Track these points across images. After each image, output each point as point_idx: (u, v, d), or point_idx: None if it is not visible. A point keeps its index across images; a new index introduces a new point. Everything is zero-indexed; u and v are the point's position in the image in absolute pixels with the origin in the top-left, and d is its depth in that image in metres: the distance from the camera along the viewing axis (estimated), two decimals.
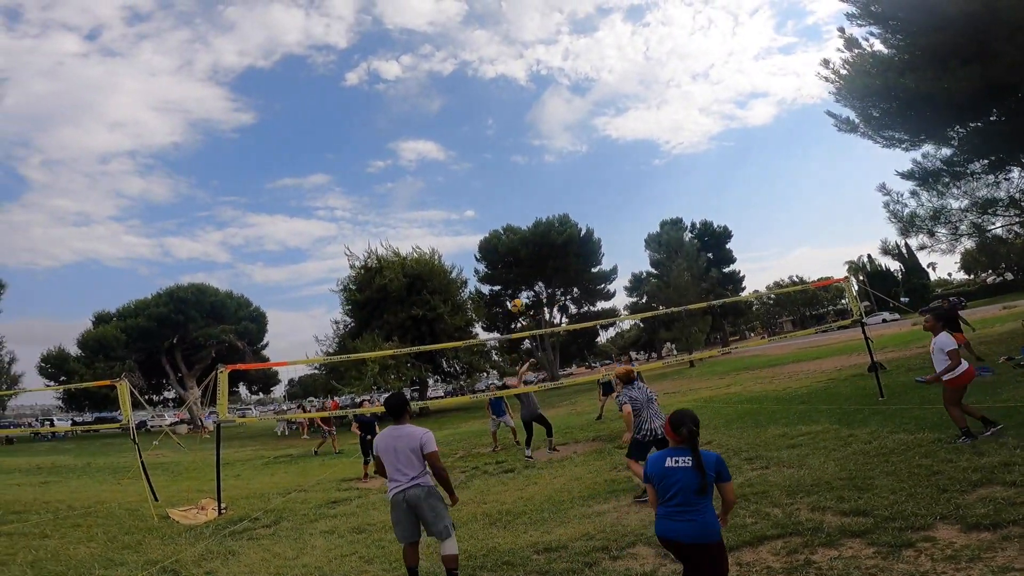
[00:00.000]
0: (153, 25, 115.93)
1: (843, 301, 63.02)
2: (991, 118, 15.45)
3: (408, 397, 4.17)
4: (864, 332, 9.88)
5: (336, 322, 32.30)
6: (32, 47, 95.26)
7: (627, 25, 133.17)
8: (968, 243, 18.91)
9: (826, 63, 16.33)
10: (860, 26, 15.82)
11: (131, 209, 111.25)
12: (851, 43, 15.63)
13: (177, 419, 37.45)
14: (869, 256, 73.21)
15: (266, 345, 45.39)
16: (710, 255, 54.02)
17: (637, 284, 56.64)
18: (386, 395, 9.41)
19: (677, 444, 2.91)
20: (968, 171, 16.93)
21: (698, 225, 56.23)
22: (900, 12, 14.08)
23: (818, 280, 45.53)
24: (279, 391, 63.08)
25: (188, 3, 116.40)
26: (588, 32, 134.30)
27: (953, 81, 12.14)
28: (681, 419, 2.88)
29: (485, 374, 33.39)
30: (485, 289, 47.15)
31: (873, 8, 14.81)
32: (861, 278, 72.76)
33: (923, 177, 17.00)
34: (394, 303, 28.63)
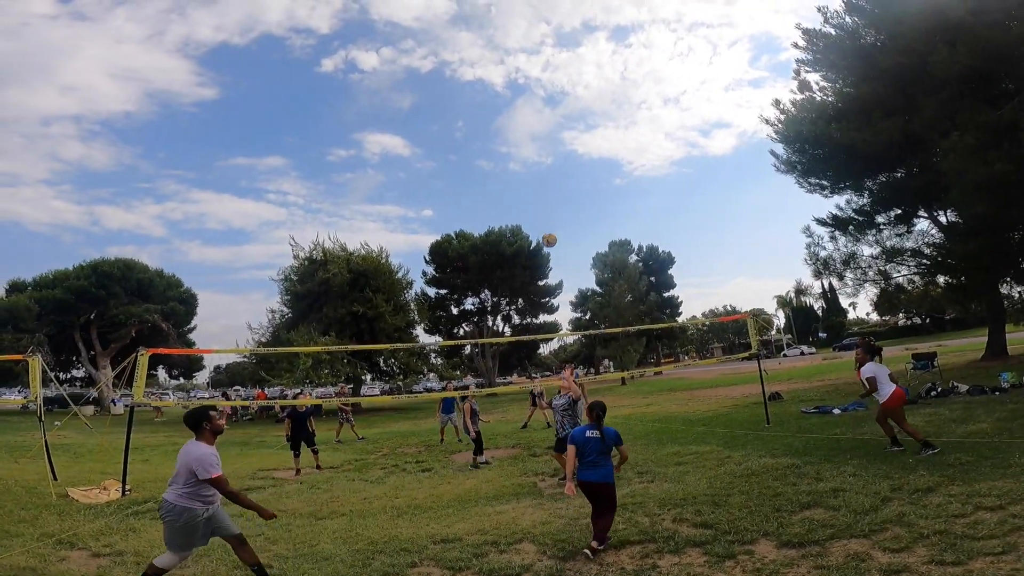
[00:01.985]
0: None
1: (771, 332, 67.11)
2: (901, 172, 16.96)
3: (209, 412, 4.08)
4: (759, 365, 10.91)
5: (272, 311, 31.46)
6: (2, 5, 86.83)
7: (610, 44, 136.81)
8: (872, 289, 20.82)
9: (777, 103, 17.42)
10: (810, 71, 17.00)
11: (64, 174, 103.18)
12: (804, 86, 16.69)
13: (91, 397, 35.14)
14: (796, 292, 78.30)
15: (194, 328, 43.32)
16: (652, 279, 56.55)
17: (582, 301, 58.26)
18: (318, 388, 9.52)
19: (591, 423, 4.80)
20: (877, 221, 18.67)
21: (644, 248, 58.50)
22: (844, 60, 15.27)
23: (724, 315, 48.61)
24: (203, 377, 60.16)
25: None
26: (571, 46, 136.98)
27: (872, 133, 13.45)
28: (594, 407, 4.89)
29: (422, 375, 33.38)
30: (431, 292, 47.22)
31: (822, 56, 15.99)
32: (787, 312, 77.97)
33: (836, 224, 18.52)
34: (335, 298, 28.26)
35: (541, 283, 50.04)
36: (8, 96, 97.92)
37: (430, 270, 47.89)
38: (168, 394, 63.91)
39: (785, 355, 59.06)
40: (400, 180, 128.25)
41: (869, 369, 6.79)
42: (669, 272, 61.12)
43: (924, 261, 18.24)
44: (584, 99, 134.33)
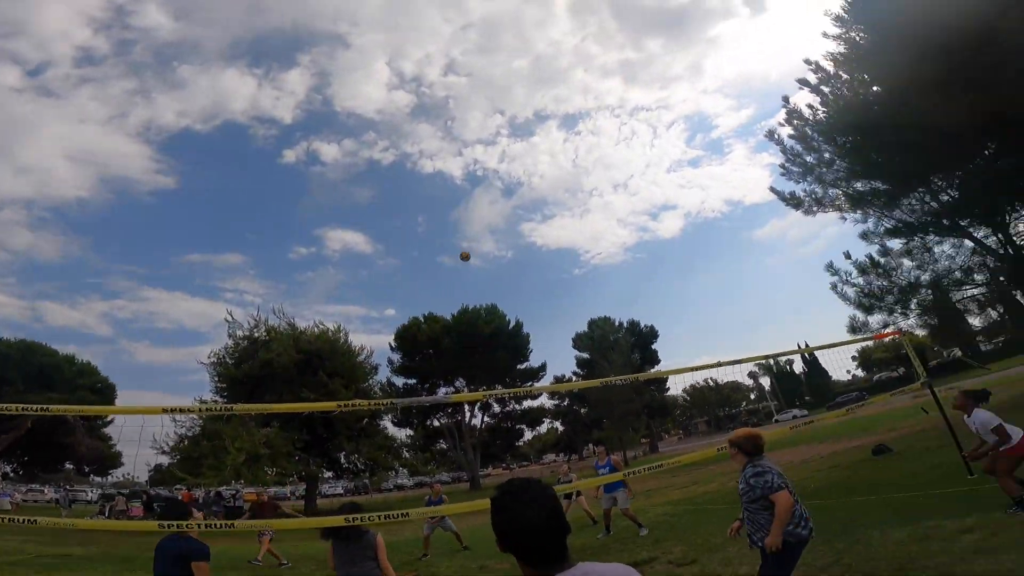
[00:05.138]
0: (101, 70, 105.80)
1: (763, 403, 63.48)
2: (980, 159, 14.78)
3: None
4: (933, 392, 7.15)
5: (203, 401, 25.26)
6: None
7: (561, 132, 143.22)
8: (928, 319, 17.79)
9: (814, 83, 15.40)
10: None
11: (10, 265, 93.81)
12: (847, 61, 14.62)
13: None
14: (774, 359, 75.78)
15: (109, 423, 35.69)
16: (637, 356, 52.70)
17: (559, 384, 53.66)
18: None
19: None
20: (960, 225, 16.20)
21: (626, 324, 55.29)
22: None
23: (717, 385, 44.69)
24: (120, 473, 49.63)
25: (145, 54, 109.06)
26: (525, 136, 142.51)
27: (954, 107, 10.83)
28: None
29: (393, 472, 27.28)
30: (399, 382, 41.72)
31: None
32: (769, 379, 75.11)
33: (912, 231, 15.81)
34: (280, 383, 22.76)
35: (522, 366, 45.35)
36: None
37: (396, 358, 42.74)
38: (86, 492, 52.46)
39: (776, 420, 55.25)
40: (362, 278, 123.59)
41: (987, 418, 5.32)
42: (653, 347, 57.59)
43: (1002, 268, 15.31)
44: (539, 188, 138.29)
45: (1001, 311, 17.43)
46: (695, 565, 5.17)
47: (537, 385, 44.62)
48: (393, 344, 42.92)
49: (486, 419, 43.38)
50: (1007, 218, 15.49)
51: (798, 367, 74.10)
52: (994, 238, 15.75)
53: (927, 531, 4.67)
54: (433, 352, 41.19)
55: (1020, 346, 25.87)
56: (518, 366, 44.97)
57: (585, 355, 53.93)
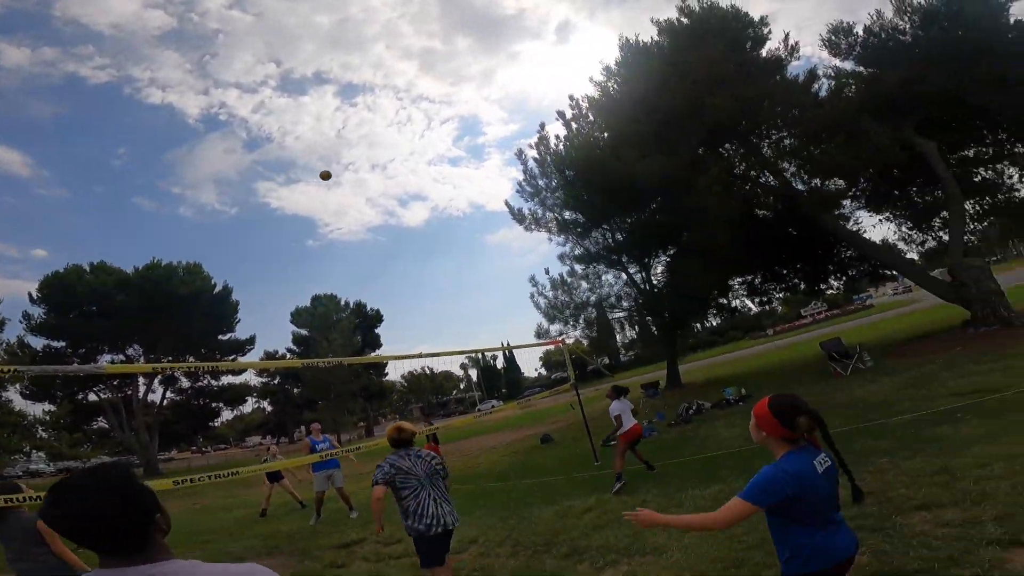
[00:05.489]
0: None
1: (469, 393, 70.33)
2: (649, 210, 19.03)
3: None
4: (578, 395, 9.15)
5: None
6: None
7: (336, 100, 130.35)
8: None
9: (564, 116, 18.03)
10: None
11: None
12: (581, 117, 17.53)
13: None
14: (482, 354, 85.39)
15: None
16: (359, 338, 52.17)
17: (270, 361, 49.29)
18: None
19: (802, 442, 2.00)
20: (623, 260, 20.73)
21: (352, 305, 54.03)
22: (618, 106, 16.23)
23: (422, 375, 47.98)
24: None
25: None
26: (295, 93, 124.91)
27: (647, 167, 13.94)
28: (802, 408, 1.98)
29: (23, 455, 20.79)
30: (38, 343, 31.82)
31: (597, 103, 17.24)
32: (477, 370, 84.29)
33: (591, 260, 19.78)
34: None
35: (225, 337, 39.84)
36: None
37: (39, 313, 32.46)
38: None
39: (479, 410, 62.49)
40: (4, 205, 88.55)
41: (612, 407, 7.15)
42: (376, 331, 57.87)
43: (640, 300, 20.54)
44: (291, 150, 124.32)
45: (637, 331, 23.56)
46: (400, 544, 5.48)
47: (243, 360, 39.86)
48: (36, 295, 32.61)
49: (170, 395, 36.65)
50: (651, 260, 20.92)
51: (500, 363, 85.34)
52: (640, 275, 20.99)
53: (565, 510, 5.91)
54: (98, 310, 32.76)
55: (647, 360, 35.13)
56: (220, 336, 39.44)
57: (304, 332, 50.76)
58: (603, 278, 21.72)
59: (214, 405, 41.12)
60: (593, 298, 21.50)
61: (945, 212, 14.97)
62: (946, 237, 14.83)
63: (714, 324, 58.71)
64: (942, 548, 2.98)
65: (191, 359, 37.78)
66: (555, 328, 21.42)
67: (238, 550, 7.08)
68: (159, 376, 35.68)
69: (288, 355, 52.12)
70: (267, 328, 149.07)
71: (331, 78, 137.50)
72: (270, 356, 52.10)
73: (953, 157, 15.65)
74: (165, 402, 38.50)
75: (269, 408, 57.31)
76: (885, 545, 3.19)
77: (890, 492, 4.07)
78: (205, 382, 38.53)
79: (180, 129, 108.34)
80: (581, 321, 21.50)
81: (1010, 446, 4.44)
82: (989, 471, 3.98)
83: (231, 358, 39.39)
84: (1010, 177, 15.81)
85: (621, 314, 22.11)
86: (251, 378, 46.89)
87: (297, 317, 51.30)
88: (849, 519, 3.50)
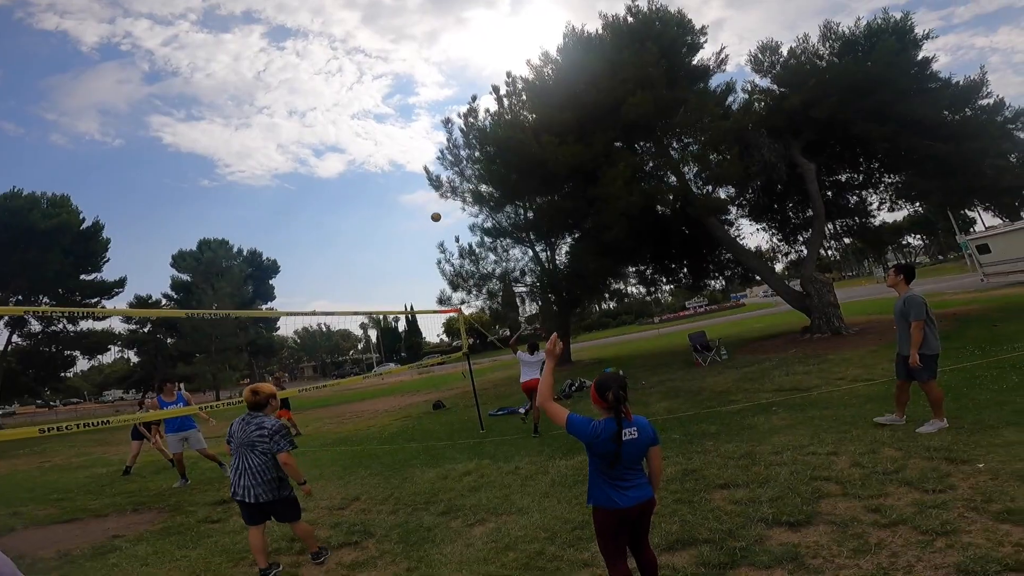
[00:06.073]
0: None
1: (367, 354, 68.75)
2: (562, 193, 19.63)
3: None
4: (469, 364, 9.44)
5: None
6: None
7: (263, 41, 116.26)
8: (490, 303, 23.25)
9: (496, 91, 18.10)
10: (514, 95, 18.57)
11: None
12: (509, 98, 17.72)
13: None
14: (383, 315, 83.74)
15: None
16: (250, 288, 48.95)
17: (142, 307, 44.77)
18: None
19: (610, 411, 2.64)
20: (531, 238, 21.23)
21: (245, 252, 50.37)
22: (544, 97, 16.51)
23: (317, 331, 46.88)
24: None
25: None
26: (216, 30, 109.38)
27: (565, 154, 14.44)
28: (611, 384, 2.66)
29: None
30: None
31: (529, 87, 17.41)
32: (377, 332, 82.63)
33: (499, 235, 19.99)
34: None
35: (89, 277, 35.49)
36: None
37: None
38: None
39: (376, 372, 61.47)
40: None
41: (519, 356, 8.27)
42: (271, 282, 54.60)
43: (543, 277, 21.43)
44: (199, 87, 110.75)
45: (539, 305, 24.54)
46: None
47: (110, 306, 35.82)
48: None
49: (16, 339, 32.14)
50: (556, 240, 21.77)
51: (402, 326, 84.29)
52: (545, 253, 21.80)
53: (447, 472, 6.31)
54: None
55: (549, 332, 36.54)
56: (82, 276, 35.09)
57: (186, 277, 46.61)
58: (510, 252, 22.36)
59: (68, 354, 36.60)
60: (499, 271, 22.08)
61: (810, 228, 17.07)
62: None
63: (609, 307, 62.54)
64: (726, 522, 3.64)
65: (45, 300, 33.34)
66: (457, 296, 21.77)
67: (97, 507, 6.70)
68: (3, 318, 31.10)
69: (165, 301, 47.71)
70: (142, 271, 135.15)
71: (262, 18, 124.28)
72: (143, 301, 47.30)
73: (829, 180, 17.61)
74: (10, 348, 33.71)
75: (136, 359, 52.29)
76: (689, 516, 3.86)
77: (705, 471, 4.85)
78: (60, 327, 34.17)
79: (69, 56, 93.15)
80: (484, 292, 22.02)
81: (801, 437, 5.43)
82: (780, 458, 4.87)
83: (94, 301, 35.30)
84: (871, 204, 18.19)
85: (524, 289, 22.93)
86: (116, 324, 42.36)
87: (180, 261, 46.97)
88: (670, 492, 4.28)
